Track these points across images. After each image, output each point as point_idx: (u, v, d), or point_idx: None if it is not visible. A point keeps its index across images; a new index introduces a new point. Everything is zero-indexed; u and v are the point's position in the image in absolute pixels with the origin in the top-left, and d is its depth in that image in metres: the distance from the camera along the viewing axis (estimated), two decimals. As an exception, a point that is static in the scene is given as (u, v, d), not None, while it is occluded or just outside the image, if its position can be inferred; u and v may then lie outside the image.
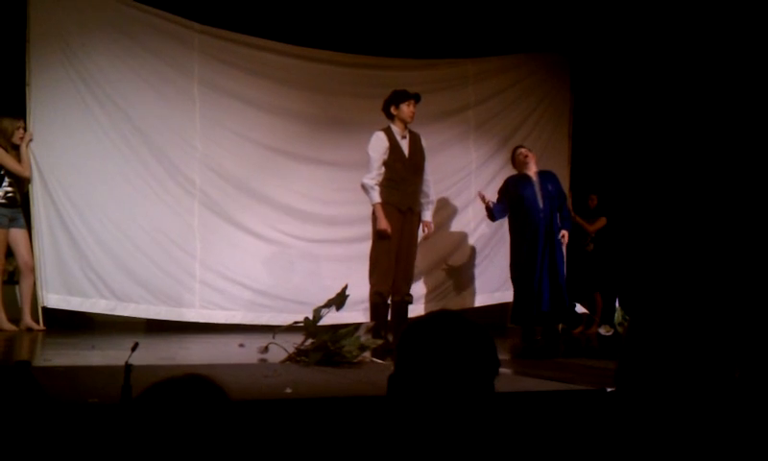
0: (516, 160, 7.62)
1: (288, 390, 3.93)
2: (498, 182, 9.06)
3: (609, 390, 4.28)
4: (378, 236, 6.63)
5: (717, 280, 7.19)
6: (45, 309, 7.05)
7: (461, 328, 1.68)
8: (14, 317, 6.93)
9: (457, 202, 8.87)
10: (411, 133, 6.85)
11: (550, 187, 7.42)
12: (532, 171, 7.46)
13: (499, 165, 9.05)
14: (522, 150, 7.65)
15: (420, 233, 6.95)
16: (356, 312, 7.62)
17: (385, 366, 5.34)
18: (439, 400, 1.61)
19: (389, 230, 6.55)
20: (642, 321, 1.71)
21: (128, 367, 3.42)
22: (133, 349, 3.68)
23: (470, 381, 1.63)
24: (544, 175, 7.54)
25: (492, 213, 7.51)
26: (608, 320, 7.25)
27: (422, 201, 6.92)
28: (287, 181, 8.17)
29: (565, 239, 7.44)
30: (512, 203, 7.38)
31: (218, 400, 1.54)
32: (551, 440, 3.16)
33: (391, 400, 1.68)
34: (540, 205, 7.30)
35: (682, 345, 1.63)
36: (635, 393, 1.67)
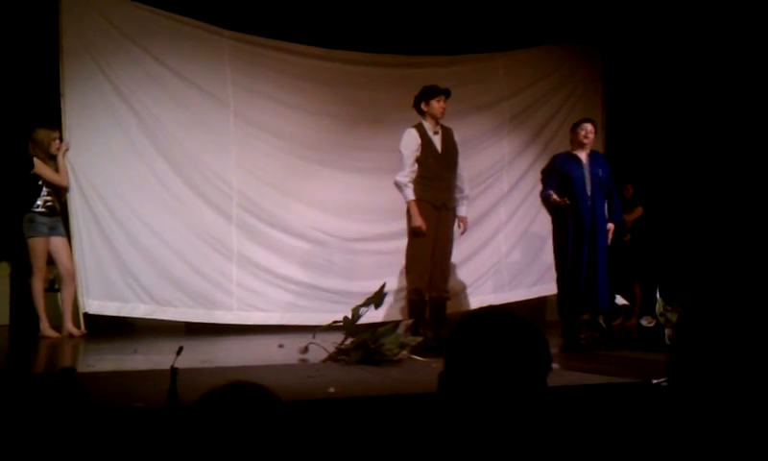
0: (577, 136, 7.09)
1: (331, 389, 3.93)
2: (530, 177, 9.01)
3: (654, 382, 4.23)
4: (413, 234, 6.62)
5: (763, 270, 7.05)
6: (86, 315, 7.13)
7: (512, 325, 1.66)
8: (56, 324, 7.02)
9: (491, 196, 8.82)
10: (443, 128, 6.82)
11: (601, 172, 6.95)
12: (584, 152, 7.00)
13: (531, 159, 9.00)
14: (587, 125, 7.10)
15: (456, 229, 6.91)
16: (394, 310, 7.64)
17: (425, 363, 5.33)
18: (491, 397, 1.59)
19: (423, 227, 6.52)
20: (695, 311, 1.68)
21: (173, 371, 3.45)
22: (179, 352, 3.70)
23: (523, 378, 1.61)
24: (596, 157, 7.07)
25: (554, 208, 7.00)
26: (648, 311, 7.14)
27: (457, 196, 6.89)
28: (322, 180, 8.19)
29: (611, 232, 7.05)
30: (559, 183, 6.94)
31: (275, 409, 1.53)
32: (600, 434, 3.12)
33: (441, 397, 1.67)
34: (588, 191, 6.89)
35: (736, 335, 1.59)
36: (687, 385, 1.63)
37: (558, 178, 7.00)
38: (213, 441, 1.45)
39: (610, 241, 7.10)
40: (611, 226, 7.04)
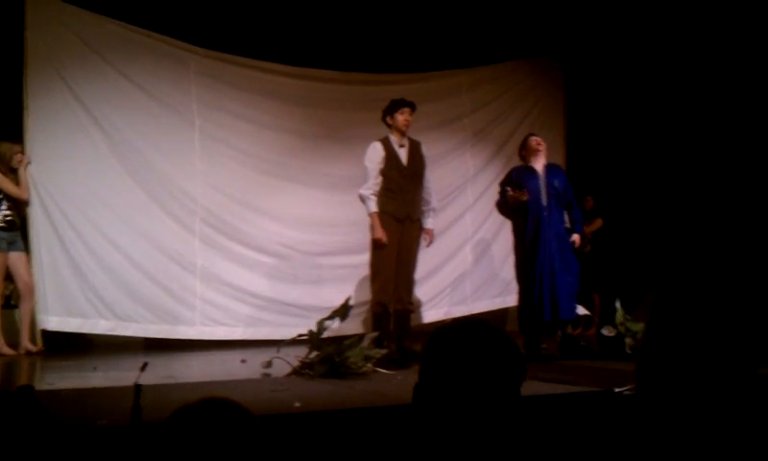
0: (528, 148, 7.07)
1: (297, 404, 3.91)
2: (495, 190, 9.06)
3: (617, 390, 4.28)
4: (375, 246, 6.63)
5: (730, 275, 7.16)
6: (44, 332, 7.00)
7: (486, 335, 1.67)
8: (12, 341, 6.89)
9: (455, 209, 8.88)
10: (411, 141, 6.85)
11: (557, 183, 6.93)
12: (540, 163, 6.99)
13: (496, 172, 9.08)
14: (535, 137, 7.11)
15: (423, 241, 6.93)
16: (357, 323, 7.64)
17: (389, 375, 5.33)
18: (467, 407, 1.59)
19: (384, 239, 6.54)
20: (663, 319, 1.70)
21: (137, 387, 3.40)
22: (143, 369, 3.66)
23: (498, 388, 1.62)
24: (552, 169, 7.04)
25: (512, 211, 6.97)
26: (608, 320, 7.22)
27: (423, 208, 6.89)
28: (287, 195, 8.19)
29: (577, 244, 7.01)
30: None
31: (247, 423, 1.52)
32: (567, 443, 3.15)
33: (416, 408, 1.67)
34: (544, 201, 6.86)
35: (703, 341, 1.62)
36: (657, 392, 1.65)
37: (515, 188, 6.94)
38: (187, 458, 1.44)
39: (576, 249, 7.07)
40: (575, 237, 7.02)
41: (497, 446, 1.58)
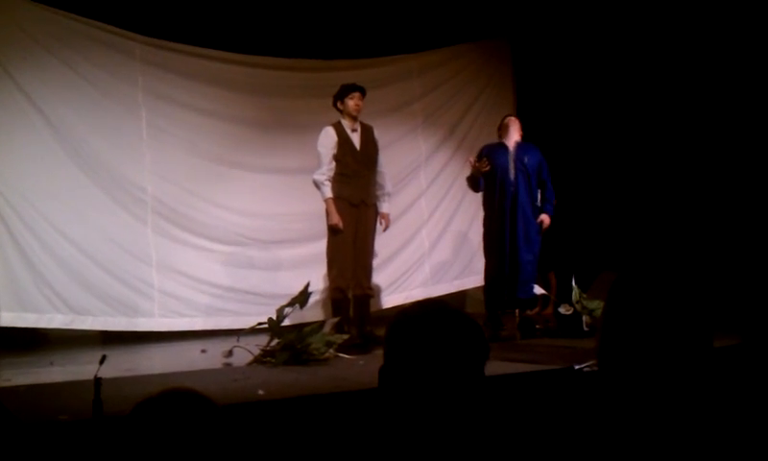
0: (501, 126, 7.17)
1: (261, 392, 3.91)
2: (448, 173, 9.13)
3: (576, 367, 4.35)
4: (331, 231, 6.62)
5: (687, 251, 7.27)
6: (-2, 328, 6.88)
7: (448, 317, 1.69)
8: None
9: (410, 193, 8.88)
10: (363, 125, 6.85)
11: (526, 160, 6.95)
12: (511, 140, 7.01)
13: (448, 155, 9.15)
14: (510, 116, 7.24)
15: (379, 226, 6.94)
16: (317, 309, 7.63)
17: (352, 360, 5.35)
18: (431, 388, 1.61)
19: (340, 224, 6.54)
20: (623, 296, 1.73)
21: (97, 381, 3.37)
22: (101, 362, 3.63)
23: (462, 368, 1.64)
24: (523, 147, 7.04)
25: (476, 183, 6.96)
26: (564, 299, 7.30)
27: (378, 193, 6.91)
28: (239, 185, 8.11)
29: (545, 224, 7.03)
30: (486, 172, 6.89)
31: (211, 412, 1.52)
32: (531, 421, 3.20)
33: (382, 392, 1.68)
34: (512, 176, 6.88)
35: (662, 316, 1.65)
36: (618, 368, 1.68)
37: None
38: (152, 450, 1.43)
39: (543, 230, 7.10)
40: (544, 216, 7.04)
41: (463, 425, 1.60)
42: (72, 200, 7.28)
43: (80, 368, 5.13)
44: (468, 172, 7.24)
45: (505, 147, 7.02)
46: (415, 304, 1.75)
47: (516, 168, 6.91)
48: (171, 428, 1.46)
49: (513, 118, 7.22)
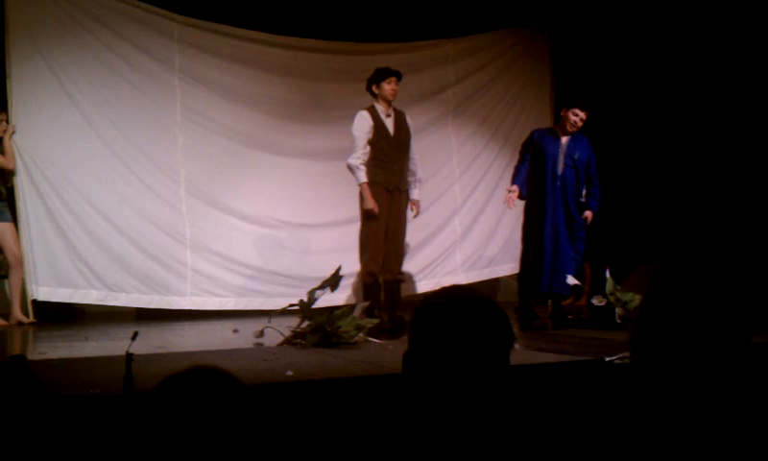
0: (566, 119, 6.90)
1: (289, 373, 3.93)
2: (482, 160, 9.08)
3: (607, 359, 4.31)
4: (366, 216, 6.62)
5: (727, 246, 7.15)
6: (35, 302, 6.99)
7: (474, 303, 1.67)
8: (3, 312, 6.88)
9: (441, 181, 8.85)
10: (396, 111, 6.83)
11: (577, 155, 6.85)
12: (566, 134, 6.89)
13: (481, 144, 9.11)
14: (580, 112, 6.85)
15: (410, 212, 6.93)
16: (348, 293, 7.65)
17: (381, 345, 5.35)
18: (455, 375, 1.60)
19: (376, 209, 6.53)
20: (663, 289, 1.69)
21: (129, 356, 3.41)
22: (133, 338, 3.66)
23: (487, 355, 1.63)
24: (575, 140, 6.90)
25: (520, 193, 6.88)
26: (598, 290, 7.24)
27: (410, 179, 6.90)
28: (272, 168, 8.15)
29: (588, 221, 6.94)
30: (533, 157, 6.83)
31: (235, 391, 1.52)
32: (556, 412, 3.17)
33: (406, 377, 1.67)
34: (559, 171, 6.82)
35: (702, 310, 1.61)
36: (651, 360, 1.66)
37: (534, 151, 6.93)
38: (174, 426, 1.43)
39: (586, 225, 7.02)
40: (588, 213, 6.96)
41: (486, 412, 1.59)
42: (108, 178, 7.38)
43: (113, 343, 5.19)
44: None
45: (557, 136, 6.93)
46: (440, 290, 1.74)
47: (564, 163, 6.84)
48: (194, 405, 1.46)
49: (584, 115, 6.88)
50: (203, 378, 1.53)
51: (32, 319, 6.90)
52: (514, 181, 7.06)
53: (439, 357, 1.61)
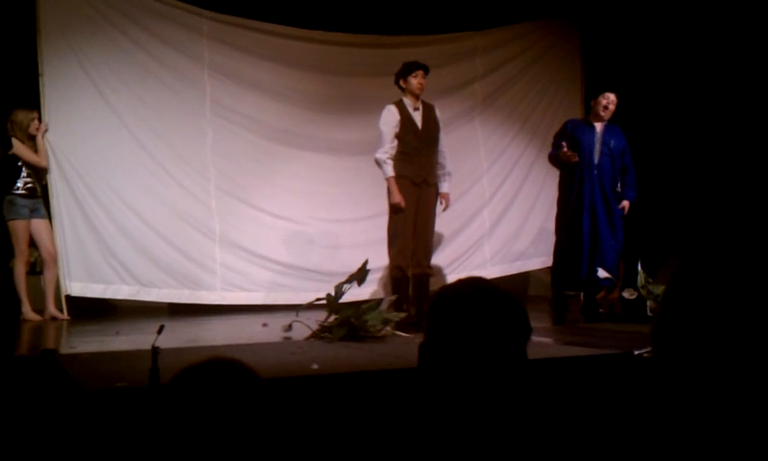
0: (597, 105, 6.83)
1: (315, 366, 3.94)
2: (510, 153, 9.02)
3: (636, 353, 4.26)
4: (393, 210, 6.61)
5: (754, 241, 7.03)
6: (69, 298, 7.09)
7: (491, 294, 1.66)
8: (38, 307, 6.97)
9: (469, 174, 8.79)
10: (425, 104, 6.80)
11: (613, 143, 6.76)
12: (601, 121, 6.81)
13: (509, 137, 9.06)
14: (610, 95, 6.78)
15: (439, 206, 6.90)
16: (376, 287, 7.65)
17: (409, 339, 5.35)
18: (472, 367, 1.59)
19: (402, 203, 6.52)
20: (686, 282, 1.66)
21: (155, 350, 3.44)
22: (159, 331, 3.70)
23: (503, 347, 1.61)
24: (610, 128, 6.82)
25: (561, 165, 6.77)
26: (630, 283, 7.17)
27: (439, 172, 6.86)
28: (300, 164, 8.17)
29: (625, 211, 6.84)
30: (568, 148, 6.73)
31: (252, 382, 1.52)
32: (582, 405, 3.14)
33: (422, 368, 1.66)
34: (596, 159, 6.71)
35: (726, 304, 1.58)
36: (673, 352, 1.63)
37: (568, 142, 6.83)
38: (189, 416, 1.44)
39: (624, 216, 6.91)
40: (625, 202, 6.87)
41: (501, 405, 1.57)
42: (139, 175, 7.45)
43: (144, 338, 5.21)
44: (548, 150, 7.11)
45: (592, 126, 6.85)
46: (457, 282, 1.73)
47: (600, 151, 6.74)
48: (209, 397, 1.46)
49: (614, 98, 6.81)
50: (218, 370, 1.53)
51: (65, 316, 6.98)
52: (554, 151, 6.92)
53: (455, 349, 1.60)
